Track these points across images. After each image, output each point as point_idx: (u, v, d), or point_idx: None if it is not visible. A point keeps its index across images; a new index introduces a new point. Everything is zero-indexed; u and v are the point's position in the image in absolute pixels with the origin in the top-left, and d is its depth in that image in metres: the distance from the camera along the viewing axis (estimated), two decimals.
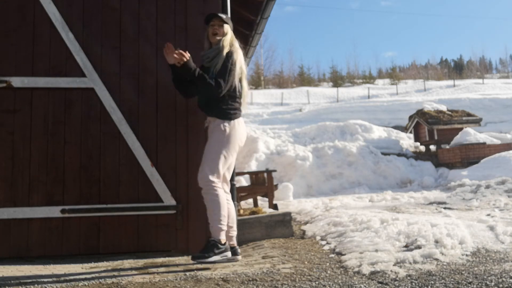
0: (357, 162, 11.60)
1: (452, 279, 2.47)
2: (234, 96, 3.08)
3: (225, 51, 3.03)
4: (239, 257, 3.03)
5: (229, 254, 2.97)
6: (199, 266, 2.95)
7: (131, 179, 3.49)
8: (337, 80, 48.64)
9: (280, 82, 47.70)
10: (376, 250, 3.16)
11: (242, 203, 6.48)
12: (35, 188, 3.40)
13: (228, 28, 3.13)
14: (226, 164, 3.07)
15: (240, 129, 3.10)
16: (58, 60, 3.52)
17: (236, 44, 3.13)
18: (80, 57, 3.52)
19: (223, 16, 3.15)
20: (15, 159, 3.40)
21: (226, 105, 3.04)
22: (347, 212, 5.26)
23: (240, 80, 3.10)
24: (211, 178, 2.94)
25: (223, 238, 2.95)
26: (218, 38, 3.08)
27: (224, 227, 2.97)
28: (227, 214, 3.02)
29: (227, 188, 3.18)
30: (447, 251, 3.10)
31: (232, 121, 3.05)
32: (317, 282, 2.49)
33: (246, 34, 5.80)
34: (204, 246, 2.91)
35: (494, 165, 10.13)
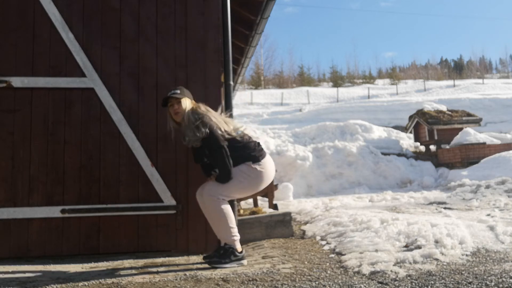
0: (357, 162, 11.60)
1: (452, 279, 2.47)
2: (240, 143, 3.00)
3: (195, 121, 2.90)
4: (245, 261, 3.00)
5: (245, 262, 2.98)
6: (199, 266, 2.95)
7: (131, 179, 3.49)
8: (337, 80, 48.64)
9: (280, 82, 47.71)
10: (376, 250, 3.16)
11: (242, 203, 6.48)
12: (35, 188, 3.40)
13: (185, 101, 3.02)
14: (243, 195, 3.08)
15: (269, 167, 3.07)
16: (58, 60, 3.52)
17: (201, 107, 3.01)
18: (80, 57, 3.52)
19: (176, 92, 3.03)
20: (15, 159, 3.40)
21: (245, 150, 2.99)
22: (347, 212, 5.25)
23: (233, 130, 3.02)
24: (218, 193, 2.92)
25: (239, 247, 2.96)
26: (180, 115, 3.00)
27: (237, 237, 2.98)
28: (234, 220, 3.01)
29: None
30: (447, 251, 3.10)
31: (263, 161, 3.01)
32: (317, 282, 2.49)
33: (246, 34, 5.80)
34: (221, 251, 2.90)
35: (494, 165, 10.13)
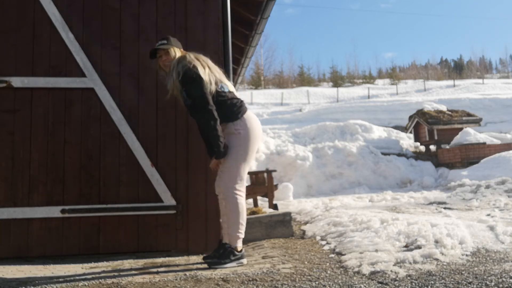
0: (357, 162, 11.60)
1: (452, 279, 2.47)
2: (224, 97, 2.92)
3: (177, 70, 2.84)
4: (245, 261, 2.99)
5: (244, 261, 2.97)
6: (199, 266, 2.95)
7: (131, 179, 3.49)
8: (337, 80, 48.67)
9: (280, 82, 47.72)
10: (376, 250, 3.16)
11: None
12: (35, 188, 3.40)
13: (173, 50, 2.97)
14: (248, 167, 2.98)
15: (253, 123, 2.97)
16: (58, 60, 3.52)
17: (191, 55, 2.93)
18: (80, 57, 3.52)
19: (163, 42, 2.98)
20: (15, 159, 3.40)
21: (225, 109, 2.91)
22: (347, 212, 5.25)
23: (217, 83, 2.92)
24: (232, 185, 2.89)
25: (240, 245, 2.95)
26: (169, 64, 2.96)
27: (242, 235, 2.96)
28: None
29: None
30: (447, 251, 3.10)
31: (242, 118, 2.93)
32: (317, 282, 2.49)
33: (246, 34, 5.80)
34: (221, 250, 2.90)
35: (494, 165, 10.13)
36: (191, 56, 2.94)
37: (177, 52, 3.00)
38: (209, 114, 2.81)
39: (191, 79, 2.82)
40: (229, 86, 3.03)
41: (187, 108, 2.99)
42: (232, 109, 2.94)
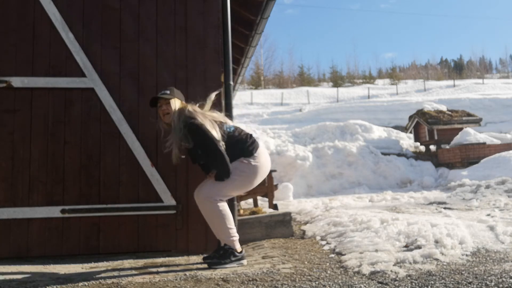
0: (357, 162, 11.60)
1: (452, 279, 2.47)
2: (233, 137, 2.95)
3: (182, 124, 2.85)
4: (245, 261, 2.99)
5: (245, 262, 2.96)
6: (199, 266, 2.95)
7: (131, 179, 3.49)
8: (337, 80, 48.63)
9: (280, 82, 47.70)
10: (376, 250, 3.16)
11: (242, 203, 6.48)
12: (35, 188, 3.40)
13: (174, 102, 2.97)
14: (240, 193, 3.01)
15: (264, 161, 3.01)
16: (58, 60, 3.52)
17: (190, 108, 2.95)
18: (80, 57, 3.52)
19: (166, 92, 2.99)
20: (15, 159, 3.40)
21: (237, 147, 2.94)
22: (347, 212, 5.25)
23: (222, 127, 2.94)
24: (213, 196, 2.89)
25: (238, 247, 2.95)
26: (170, 116, 2.95)
27: (236, 237, 2.96)
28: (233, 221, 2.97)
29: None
30: (447, 251, 3.10)
31: (254, 155, 2.96)
32: (317, 282, 2.49)
33: (246, 34, 5.79)
34: (221, 251, 2.90)
35: (494, 165, 10.12)
36: (190, 109, 2.95)
37: (177, 103, 2.98)
38: (221, 154, 2.82)
39: (195, 131, 2.83)
40: (232, 124, 3.08)
41: (192, 157, 3.02)
42: (244, 145, 2.96)
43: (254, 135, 3.13)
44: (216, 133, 2.85)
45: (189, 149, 2.94)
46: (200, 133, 2.81)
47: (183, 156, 3.05)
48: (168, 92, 2.99)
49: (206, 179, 3.01)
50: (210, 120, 2.90)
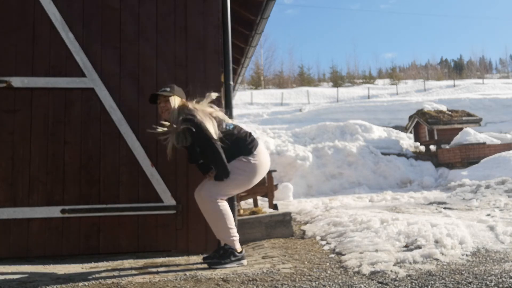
0: (357, 162, 11.60)
1: (452, 279, 2.47)
2: (233, 135, 2.94)
3: (181, 121, 2.82)
4: (245, 261, 2.99)
5: (245, 262, 2.96)
6: (199, 266, 2.95)
7: (131, 179, 3.49)
8: (337, 80, 48.63)
9: (280, 82, 47.70)
10: (376, 250, 3.16)
11: (242, 203, 6.48)
12: (35, 188, 3.40)
13: (173, 99, 2.93)
14: (239, 192, 2.99)
15: (263, 159, 3.01)
16: (58, 60, 3.52)
17: (190, 105, 2.94)
18: (80, 57, 3.52)
19: (166, 90, 2.96)
20: (15, 159, 3.40)
21: (237, 145, 2.94)
22: (347, 212, 5.25)
23: (221, 125, 2.93)
24: (214, 196, 2.88)
25: (238, 247, 2.95)
26: (168, 113, 2.94)
27: (236, 237, 2.96)
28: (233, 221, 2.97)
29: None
30: (447, 251, 3.10)
31: (254, 153, 2.95)
32: (317, 282, 2.49)
33: (246, 34, 5.79)
34: (221, 251, 2.90)
35: (494, 165, 10.12)
36: (190, 106, 2.94)
37: (177, 101, 2.96)
38: (219, 152, 2.82)
39: (194, 128, 2.80)
40: (232, 122, 3.08)
41: (190, 156, 2.99)
42: (244, 143, 2.96)
43: (253, 134, 3.12)
44: (214, 131, 2.84)
45: (188, 147, 2.93)
46: (198, 130, 2.80)
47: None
48: (168, 89, 2.98)
49: (206, 179, 3.01)
50: (210, 118, 2.89)
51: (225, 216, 2.89)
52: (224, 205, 2.92)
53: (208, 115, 2.91)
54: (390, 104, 28.23)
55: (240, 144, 2.95)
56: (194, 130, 2.79)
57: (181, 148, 2.96)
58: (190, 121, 2.81)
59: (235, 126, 3.03)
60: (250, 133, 3.06)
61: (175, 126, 2.85)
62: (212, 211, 2.89)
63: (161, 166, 3.50)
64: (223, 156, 2.83)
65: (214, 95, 3.10)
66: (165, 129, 2.92)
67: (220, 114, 3.03)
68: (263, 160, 3.01)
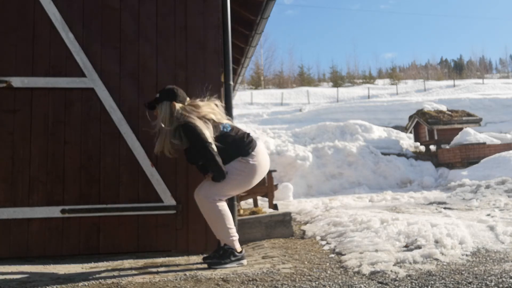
0: (357, 162, 11.60)
1: (452, 279, 2.47)
2: (229, 136, 2.92)
3: (175, 124, 2.84)
4: (245, 261, 2.98)
5: (245, 262, 2.96)
6: (199, 266, 2.95)
7: (131, 179, 3.49)
8: (337, 80, 48.64)
9: (280, 82, 47.71)
10: (376, 250, 3.16)
11: (242, 203, 6.48)
12: (35, 188, 3.40)
13: (161, 106, 2.90)
14: (238, 192, 2.98)
15: (262, 160, 3.00)
16: (58, 60, 3.52)
17: (185, 106, 2.92)
18: (80, 57, 3.52)
19: (156, 97, 2.96)
20: (15, 159, 3.40)
21: (234, 146, 2.92)
22: (347, 212, 5.25)
23: (217, 126, 2.90)
24: (212, 196, 2.88)
25: (238, 247, 2.95)
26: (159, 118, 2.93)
27: (236, 237, 2.96)
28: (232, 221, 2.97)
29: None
30: (447, 251, 3.10)
31: (252, 154, 2.94)
32: (317, 282, 2.49)
33: (246, 34, 5.80)
34: (221, 251, 2.89)
35: (494, 165, 10.12)
36: (187, 107, 2.91)
37: (164, 107, 2.91)
38: (212, 156, 2.79)
39: (188, 131, 2.80)
40: (230, 123, 3.05)
41: (188, 157, 2.98)
42: (242, 144, 2.94)
43: (253, 135, 3.11)
44: (209, 134, 2.82)
45: (185, 149, 2.93)
46: (193, 133, 2.79)
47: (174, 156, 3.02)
48: (157, 95, 2.97)
49: (205, 179, 3.01)
50: (204, 121, 2.86)
51: (224, 216, 2.88)
52: (223, 205, 2.92)
53: (203, 118, 2.88)
54: (390, 104, 28.23)
55: (238, 145, 2.94)
56: (187, 133, 2.79)
57: (179, 149, 2.96)
58: (182, 126, 2.81)
59: (232, 128, 3.01)
60: (249, 134, 3.05)
61: (168, 128, 2.86)
62: (211, 212, 2.88)
63: (161, 166, 3.50)
64: (218, 159, 2.81)
65: (216, 102, 3.08)
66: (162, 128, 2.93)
67: (217, 115, 2.98)
68: (262, 160, 3.01)
